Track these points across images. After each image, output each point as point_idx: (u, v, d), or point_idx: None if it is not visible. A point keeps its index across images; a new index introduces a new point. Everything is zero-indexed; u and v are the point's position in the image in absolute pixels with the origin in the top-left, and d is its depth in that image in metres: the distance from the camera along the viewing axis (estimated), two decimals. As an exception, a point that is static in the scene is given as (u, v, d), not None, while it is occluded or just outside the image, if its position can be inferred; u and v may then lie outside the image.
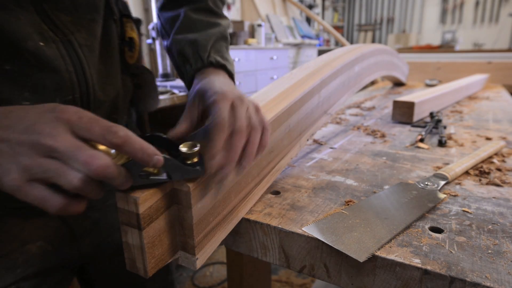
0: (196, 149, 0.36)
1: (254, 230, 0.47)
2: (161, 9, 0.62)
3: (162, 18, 0.61)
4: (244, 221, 0.47)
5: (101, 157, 0.30)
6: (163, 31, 0.61)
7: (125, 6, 0.59)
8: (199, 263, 0.40)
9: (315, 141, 0.82)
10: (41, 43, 0.42)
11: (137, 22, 0.64)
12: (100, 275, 0.66)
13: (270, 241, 0.46)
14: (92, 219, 0.59)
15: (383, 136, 0.86)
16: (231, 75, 0.54)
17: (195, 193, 0.37)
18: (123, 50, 0.58)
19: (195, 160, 0.37)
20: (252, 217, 0.47)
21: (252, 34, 3.63)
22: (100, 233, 0.60)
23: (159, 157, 0.32)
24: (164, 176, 0.35)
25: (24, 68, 0.42)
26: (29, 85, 0.43)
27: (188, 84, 0.55)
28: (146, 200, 0.34)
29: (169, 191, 0.37)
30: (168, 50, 0.59)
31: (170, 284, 0.75)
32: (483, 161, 0.66)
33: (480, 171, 0.62)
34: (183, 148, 0.36)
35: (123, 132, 0.31)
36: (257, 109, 0.44)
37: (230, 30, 3.37)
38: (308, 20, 5.54)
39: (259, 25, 3.53)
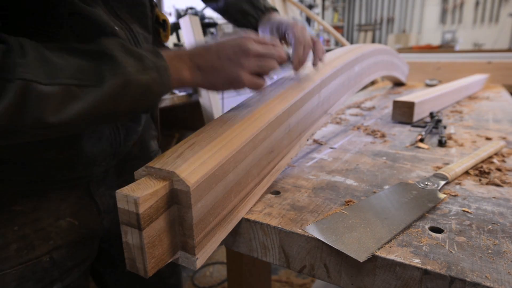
0: None
1: (254, 230, 0.47)
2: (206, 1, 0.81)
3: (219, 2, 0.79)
4: (244, 221, 0.47)
5: (282, 49, 0.53)
6: (215, 5, 0.79)
7: None
8: (199, 263, 0.40)
9: (315, 141, 0.82)
10: (117, 28, 0.52)
11: None
12: (118, 248, 0.68)
13: (270, 241, 0.46)
14: (115, 197, 0.62)
15: (383, 136, 0.86)
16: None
17: (195, 193, 0.37)
18: (157, 32, 0.67)
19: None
20: (252, 217, 0.47)
21: (252, 34, 3.63)
22: None
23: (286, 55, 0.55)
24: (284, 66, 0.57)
25: None
26: None
27: (255, 28, 0.77)
28: (146, 200, 0.34)
29: (169, 191, 0.37)
30: (224, 11, 0.78)
31: (177, 268, 0.81)
32: (483, 161, 0.66)
33: (480, 171, 0.62)
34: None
35: (276, 41, 0.54)
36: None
37: None
38: (308, 20, 5.53)
39: (259, 25, 3.52)
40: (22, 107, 0.34)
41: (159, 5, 1.89)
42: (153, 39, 0.65)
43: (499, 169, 0.62)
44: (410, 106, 0.98)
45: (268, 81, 0.53)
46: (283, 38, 0.68)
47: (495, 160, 0.67)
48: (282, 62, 0.53)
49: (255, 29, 0.75)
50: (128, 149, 0.64)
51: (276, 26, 0.69)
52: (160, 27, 0.67)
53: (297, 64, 0.60)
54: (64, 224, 0.56)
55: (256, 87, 0.51)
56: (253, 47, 0.49)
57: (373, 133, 0.88)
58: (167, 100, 1.63)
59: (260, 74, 0.51)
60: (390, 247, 0.40)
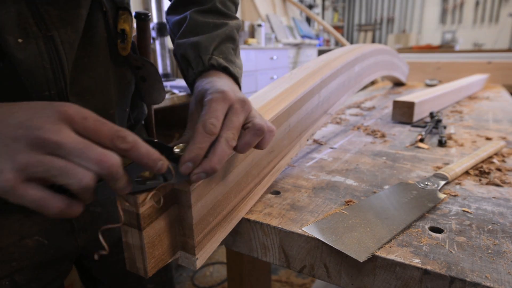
0: None
1: (254, 230, 0.47)
2: (168, 13, 0.62)
3: (170, 22, 0.60)
4: (244, 221, 0.47)
5: (114, 156, 0.29)
6: (172, 35, 0.61)
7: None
8: (199, 263, 0.40)
9: (315, 141, 0.82)
10: (20, 40, 0.40)
11: (142, 16, 0.63)
12: (99, 267, 0.67)
13: (270, 241, 0.46)
14: (93, 213, 0.60)
15: (383, 136, 0.86)
16: (236, 80, 0.52)
17: (195, 193, 0.37)
18: (116, 43, 0.55)
19: None
20: (252, 217, 0.47)
21: (252, 34, 3.63)
22: (99, 226, 0.61)
23: (163, 162, 0.32)
24: (160, 180, 0.35)
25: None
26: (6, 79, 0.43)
27: (191, 89, 0.53)
28: (146, 200, 0.34)
29: (169, 191, 0.37)
30: (174, 55, 0.58)
31: (169, 280, 0.76)
32: (483, 161, 0.66)
33: (480, 171, 0.62)
34: (176, 149, 0.35)
35: (131, 137, 0.30)
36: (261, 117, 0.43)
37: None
38: (308, 20, 5.53)
39: (259, 25, 3.53)
40: None
41: (159, 5, 1.85)
42: (110, 51, 0.53)
43: (499, 169, 0.62)
44: (410, 106, 0.98)
45: (78, 208, 0.31)
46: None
47: (495, 160, 0.67)
48: (114, 176, 0.29)
49: (193, 88, 0.51)
50: None
51: (201, 94, 0.44)
52: (119, 38, 0.53)
53: (184, 165, 0.34)
54: (31, 243, 0.51)
55: (38, 208, 0.28)
56: (55, 137, 0.27)
57: (373, 133, 0.88)
58: (167, 100, 1.63)
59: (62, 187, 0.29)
60: (390, 247, 0.40)
